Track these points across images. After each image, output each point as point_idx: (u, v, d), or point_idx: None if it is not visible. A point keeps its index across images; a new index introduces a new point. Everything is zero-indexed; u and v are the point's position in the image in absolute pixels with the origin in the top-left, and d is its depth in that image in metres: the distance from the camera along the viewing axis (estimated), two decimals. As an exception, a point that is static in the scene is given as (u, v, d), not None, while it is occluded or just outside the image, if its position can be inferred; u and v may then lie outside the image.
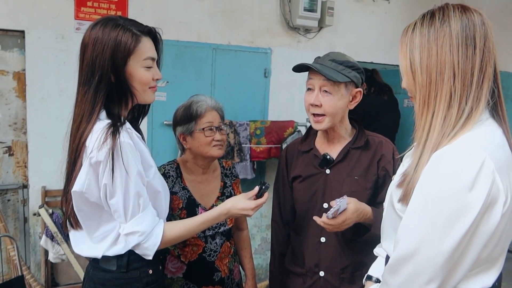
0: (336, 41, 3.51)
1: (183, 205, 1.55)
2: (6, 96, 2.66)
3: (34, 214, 2.60)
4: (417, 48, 0.88)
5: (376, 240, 1.18)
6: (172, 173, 1.59)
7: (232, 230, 1.73)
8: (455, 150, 0.81)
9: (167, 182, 1.55)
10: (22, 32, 2.60)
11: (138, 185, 1.08)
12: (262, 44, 3.25)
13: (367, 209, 1.33)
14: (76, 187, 1.07)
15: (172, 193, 1.55)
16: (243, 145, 3.00)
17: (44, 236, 2.52)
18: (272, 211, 1.65)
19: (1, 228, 2.53)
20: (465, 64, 0.84)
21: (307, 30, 3.38)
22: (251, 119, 3.14)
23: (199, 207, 1.57)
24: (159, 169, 1.57)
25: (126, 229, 1.10)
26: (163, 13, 2.91)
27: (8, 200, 2.75)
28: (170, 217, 1.55)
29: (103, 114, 1.12)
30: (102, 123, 1.08)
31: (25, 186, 2.75)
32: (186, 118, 1.56)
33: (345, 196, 1.27)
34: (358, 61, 1.47)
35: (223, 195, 1.65)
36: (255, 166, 3.12)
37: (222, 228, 1.60)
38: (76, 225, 1.15)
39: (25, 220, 2.79)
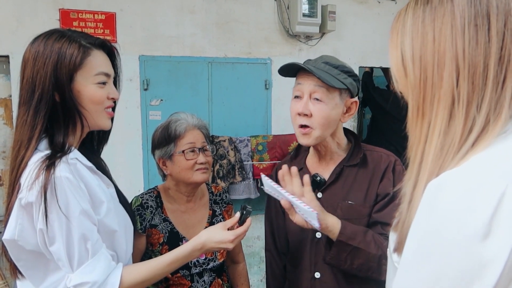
0: (340, 46, 3.30)
1: (164, 240, 1.36)
2: (-7, 124, 2.56)
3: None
4: (409, 35, 0.63)
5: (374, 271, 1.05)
6: (151, 203, 1.39)
7: (225, 263, 1.52)
8: (460, 177, 0.54)
9: (145, 213, 1.37)
10: (7, 57, 2.50)
11: (84, 226, 0.90)
12: (260, 54, 3.08)
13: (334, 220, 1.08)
14: (7, 234, 0.90)
15: (152, 226, 1.36)
16: (244, 163, 2.81)
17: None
18: (265, 240, 1.44)
19: (-9, 263, 2.39)
20: (474, 54, 0.57)
21: (308, 37, 3.19)
22: (253, 134, 2.94)
23: (184, 241, 1.37)
24: (136, 199, 1.39)
25: (73, 280, 0.91)
26: (153, 29, 2.77)
27: (0, 233, 2.61)
28: (150, 254, 1.36)
29: (44, 143, 0.94)
30: (39, 155, 0.91)
31: (16, 218, 2.61)
32: (164, 140, 1.38)
33: (315, 211, 1.01)
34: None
35: (212, 225, 1.44)
36: (259, 185, 2.91)
37: (211, 264, 1.40)
38: (20, 275, 0.97)
39: (18, 253, 2.65)
